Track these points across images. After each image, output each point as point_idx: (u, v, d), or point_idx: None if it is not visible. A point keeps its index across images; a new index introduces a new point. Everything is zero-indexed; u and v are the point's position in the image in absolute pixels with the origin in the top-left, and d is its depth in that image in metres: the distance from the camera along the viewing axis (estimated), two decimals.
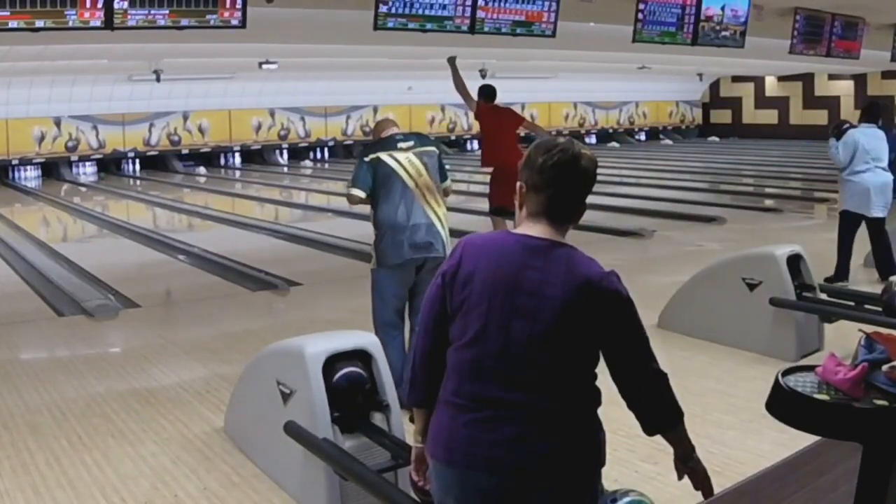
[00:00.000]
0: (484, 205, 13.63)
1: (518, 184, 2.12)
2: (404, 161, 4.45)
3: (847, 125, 7.17)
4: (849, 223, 7.07)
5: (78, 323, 6.56)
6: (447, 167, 4.75)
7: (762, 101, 26.84)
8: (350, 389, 3.28)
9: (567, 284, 1.99)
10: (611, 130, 27.44)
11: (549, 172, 2.04)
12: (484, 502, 2.03)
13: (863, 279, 7.12)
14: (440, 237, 4.43)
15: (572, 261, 2.03)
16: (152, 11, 6.60)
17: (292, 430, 3.30)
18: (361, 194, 4.46)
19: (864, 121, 7.13)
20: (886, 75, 22.27)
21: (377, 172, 4.43)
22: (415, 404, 2.23)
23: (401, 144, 4.50)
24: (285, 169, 21.44)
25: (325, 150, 23.34)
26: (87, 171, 19.64)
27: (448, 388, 2.08)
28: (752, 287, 5.28)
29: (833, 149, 7.04)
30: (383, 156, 4.45)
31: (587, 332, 2.02)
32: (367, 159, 4.46)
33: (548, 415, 2.02)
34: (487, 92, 8.04)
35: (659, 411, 2.18)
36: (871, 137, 6.96)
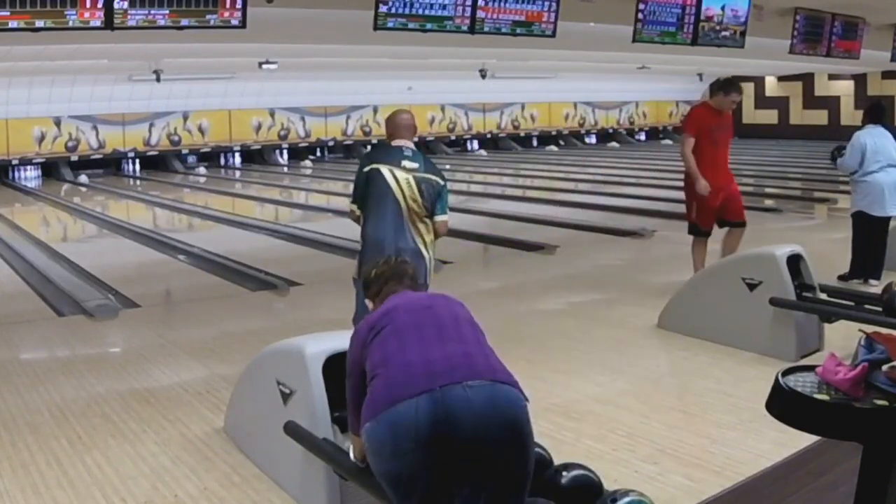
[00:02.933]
0: (483, 205, 13.70)
1: (367, 303, 2.93)
2: (402, 181, 4.39)
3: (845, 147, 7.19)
4: (863, 223, 7.03)
5: (78, 323, 6.56)
6: (447, 202, 4.63)
7: (762, 101, 26.82)
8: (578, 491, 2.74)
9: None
10: (611, 130, 27.44)
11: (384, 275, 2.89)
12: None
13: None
14: (423, 262, 4.40)
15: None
16: (152, 11, 6.60)
17: (292, 430, 3.29)
18: (358, 211, 4.50)
19: (869, 121, 7.11)
20: (886, 75, 22.25)
21: (372, 184, 4.40)
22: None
23: (405, 163, 4.44)
24: (285, 169, 21.44)
25: (325, 150, 23.36)
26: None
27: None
28: (752, 287, 5.28)
29: (839, 163, 7.08)
30: (383, 169, 4.41)
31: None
32: (365, 170, 4.45)
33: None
34: (728, 85, 6.85)
35: None
36: (878, 137, 6.94)
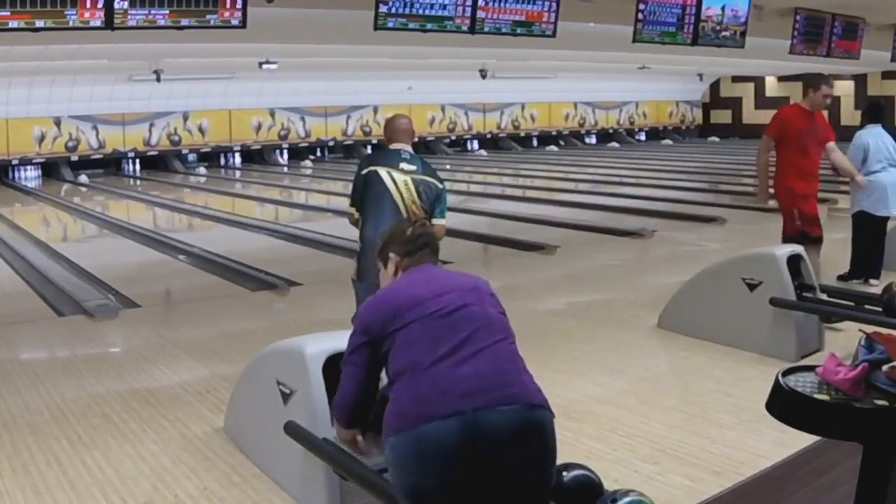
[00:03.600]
0: (483, 205, 13.70)
1: (391, 257, 2.74)
2: (400, 183, 4.39)
3: None
4: (864, 223, 7.01)
5: (78, 323, 6.56)
6: (446, 206, 4.60)
7: (762, 101, 26.82)
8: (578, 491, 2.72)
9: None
10: (611, 130, 27.47)
11: (422, 238, 2.77)
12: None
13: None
14: None
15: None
16: (152, 11, 6.61)
17: (292, 430, 3.29)
18: (356, 214, 4.50)
19: (868, 121, 7.11)
20: (886, 75, 22.26)
21: (370, 186, 4.41)
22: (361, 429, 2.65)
23: (403, 165, 4.44)
24: (285, 169, 21.45)
25: (325, 150, 23.36)
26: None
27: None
28: (752, 287, 5.28)
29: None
30: (381, 171, 4.41)
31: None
32: (363, 173, 4.46)
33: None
34: (817, 79, 6.29)
35: None
36: (878, 137, 6.95)
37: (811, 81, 6.26)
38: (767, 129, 6.29)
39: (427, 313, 2.43)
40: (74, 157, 19.31)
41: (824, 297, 5.32)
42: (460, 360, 2.34)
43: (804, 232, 6.22)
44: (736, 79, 27.25)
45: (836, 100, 24.36)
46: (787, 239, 6.29)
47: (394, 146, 4.58)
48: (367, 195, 4.44)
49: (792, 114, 6.30)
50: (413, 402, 2.30)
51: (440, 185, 4.52)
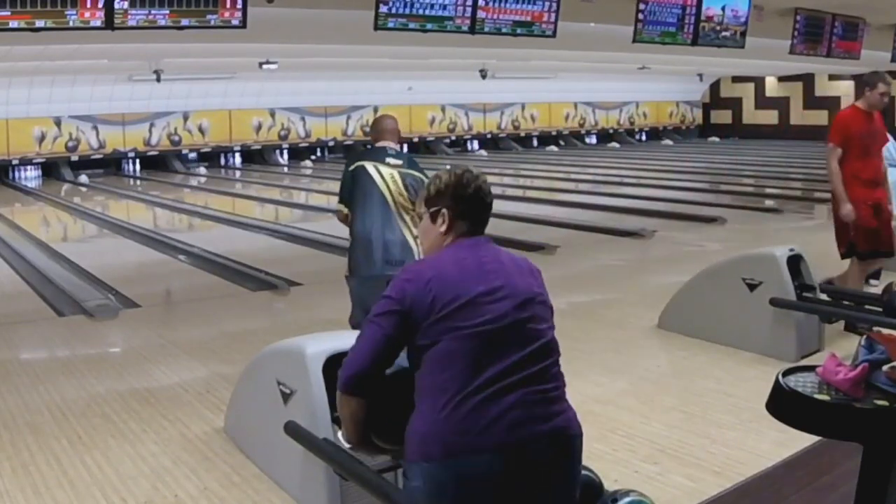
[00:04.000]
0: None
1: (443, 212, 2.47)
2: (387, 176, 4.47)
3: None
4: None
5: (78, 323, 6.56)
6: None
7: (762, 101, 26.83)
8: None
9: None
10: (611, 130, 27.46)
11: (486, 200, 2.51)
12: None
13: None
14: (412, 255, 4.45)
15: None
16: (152, 11, 6.62)
17: (292, 430, 3.29)
18: (345, 210, 4.54)
19: None
20: None
21: (357, 181, 4.46)
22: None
23: (389, 160, 4.53)
24: (285, 169, 21.45)
25: (326, 150, 23.36)
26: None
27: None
28: (752, 287, 5.28)
29: None
30: (368, 166, 4.49)
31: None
32: (350, 169, 4.52)
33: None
34: (872, 77, 5.87)
35: None
36: None
37: (868, 80, 5.84)
38: (830, 137, 5.88)
39: (479, 322, 2.27)
40: (74, 157, 19.30)
41: (824, 297, 5.32)
42: (507, 387, 2.24)
43: (854, 245, 5.88)
44: (736, 79, 27.26)
45: (837, 100, 24.41)
46: (850, 247, 5.94)
47: (380, 144, 4.65)
48: (355, 190, 4.51)
49: (850, 116, 5.90)
50: (455, 430, 2.21)
51: (426, 180, 4.58)
